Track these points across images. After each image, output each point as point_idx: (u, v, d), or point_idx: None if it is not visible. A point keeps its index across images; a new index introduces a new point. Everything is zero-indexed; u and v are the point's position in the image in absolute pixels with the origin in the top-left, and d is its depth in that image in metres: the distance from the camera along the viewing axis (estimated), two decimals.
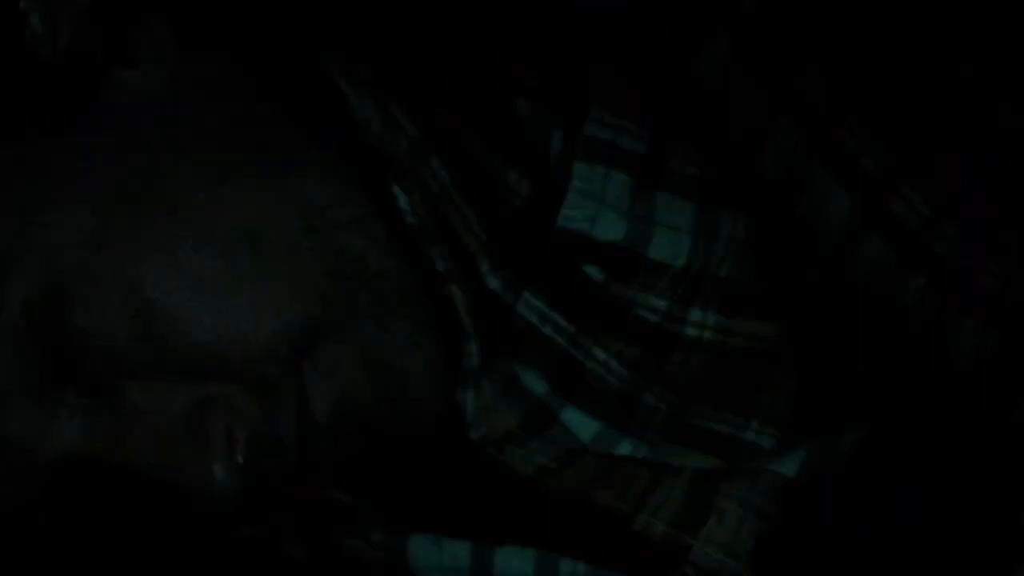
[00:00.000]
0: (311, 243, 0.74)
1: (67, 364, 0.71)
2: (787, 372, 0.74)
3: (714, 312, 0.74)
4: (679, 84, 0.71)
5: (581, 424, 0.77)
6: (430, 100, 0.76)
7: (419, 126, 0.76)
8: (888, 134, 0.66)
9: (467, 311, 0.75)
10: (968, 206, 0.65)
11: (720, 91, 0.70)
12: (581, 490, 0.75)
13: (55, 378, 0.72)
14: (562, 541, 0.77)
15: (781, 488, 0.74)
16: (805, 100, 0.67)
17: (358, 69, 0.77)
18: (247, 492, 0.72)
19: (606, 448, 0.77)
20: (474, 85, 0.74)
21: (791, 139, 0.68)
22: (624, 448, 0.77)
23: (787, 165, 0.69)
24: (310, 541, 0.79)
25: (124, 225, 0.72)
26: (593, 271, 0.73)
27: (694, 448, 0.76)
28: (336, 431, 0.74)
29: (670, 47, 0.70)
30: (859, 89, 0.67)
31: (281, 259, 0.73)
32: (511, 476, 0.76)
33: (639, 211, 0.73)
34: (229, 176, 0.74)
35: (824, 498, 0.73)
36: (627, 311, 0.74)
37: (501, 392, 0.77)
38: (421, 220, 0.75)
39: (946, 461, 0.71)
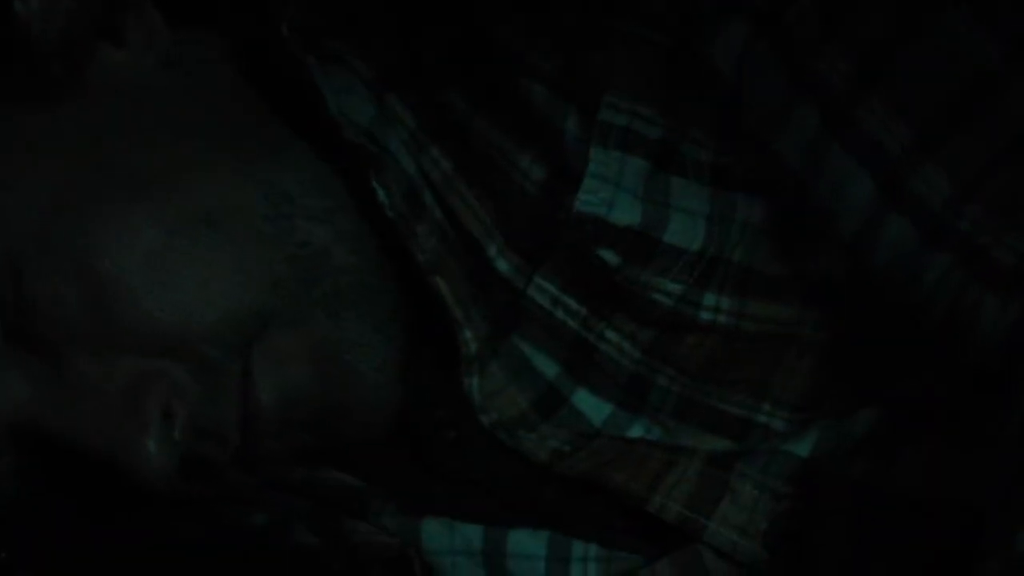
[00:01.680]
0: (274, 230, 0.74)
1: (17, 329, 0.71)
2: (801, 355, 0.74)
3: (728, 296, 0.74)
4: (694, 70, 0.71)
5: (593, 406, 0.77)
6: (440, 87, 0.75)
7: (419, 117, 0.76)
8: (909, 114, 0.66)
9: (456, 301, 0.75)
10: (988, 184, 0.66)
11: (736, 76, 0.70)
12: (594, 472, 0.76)
13: (5, 341, 0.72)
14: (575, 523, 0.77)
15: (795, 468, 0.74)
16: (825, 82, 0.67)
17: (355, 63, 0.77)
18: (186, 473, 0.72)
19: (618, 430, 0.77)
20: (489, 70, 0.74)
21: (810, 122, 0.68)
22: (636, 430, 0.77)
23: (806, 148, 0.69)
24: (320, 527, 0.79)
25: (85, 198, 0.72)
26: (608, 255, 0.73)
27: (706, 429, 0.76)
28: (282, 422, 0.74)
29: (685, 33, 0.70)
30: (879, 70, 0.67)
31: (239, 243, 0.73)
32: (523, 460, 0.76)
33: (655, 196, 0.73)
34: (200, 160, 0.74)
35: (838, 478, 0.74)
36: (641, 295, 0.74)
37: (511, 375, 0.77)
38: (401, 214, 0.74)
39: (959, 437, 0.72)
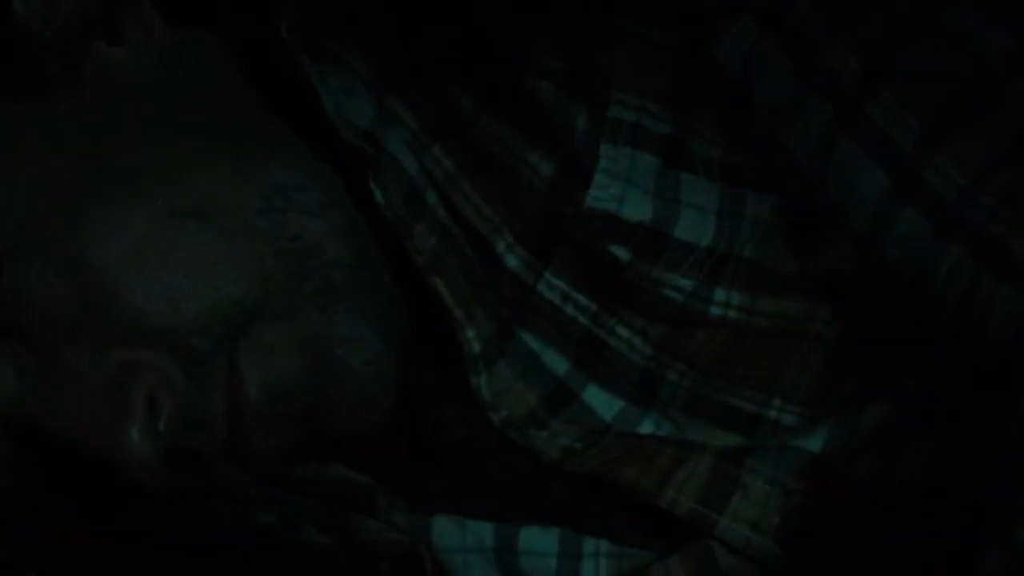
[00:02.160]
0: (266, 223, 0.74)
1: (6, 321, 0.71)
2: (810, 350, 0.75)
3: (739, 292, 0.74)
4: (699, 68, 0.71)
5: (603, 402, 0.77)
6: (441, 87, 0.75)
7: (420, 117, 0.76)
8: (921, 107, 0.67)
9: (456, 301, 0.75)
10: (1000, 175, 0.66)
11: (744, 74, 0.70)
12: (604, 469, 0.76)
13: None
14: (584, 520, 0.78)
15: (806, 464, 0.74)
16: (835, 79, 0.68)
17: (355, 63, 0.77)
18: (174, 466, 0.72)
19: (628, 426, 0.77)
20: (491, 70, 0.74)
21: (821, 118, 0.69)
22: (646, 426, 0.77)
23: (817, 144, 0.69)
24: (328, 525, 0.79)
25: (77, 192, 0.72)
26: (619, 251, 0.73)
27: (716, 425, 0.76)
28: (270, 415, 0.73)
29: (688, 33, 0.71)
30: (890, 64, 0.67)
31: (229, 236, 0.73)
32: (532, 458, 0.76)
33: (665, 191, 0.73)
34: (199, 160, 0.74)
35: (845, 476, 0.74)
36: (652, 290, 0.74)
37: (519, 373, 0.77)
38: (398, 214, 0.74)
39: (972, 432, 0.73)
